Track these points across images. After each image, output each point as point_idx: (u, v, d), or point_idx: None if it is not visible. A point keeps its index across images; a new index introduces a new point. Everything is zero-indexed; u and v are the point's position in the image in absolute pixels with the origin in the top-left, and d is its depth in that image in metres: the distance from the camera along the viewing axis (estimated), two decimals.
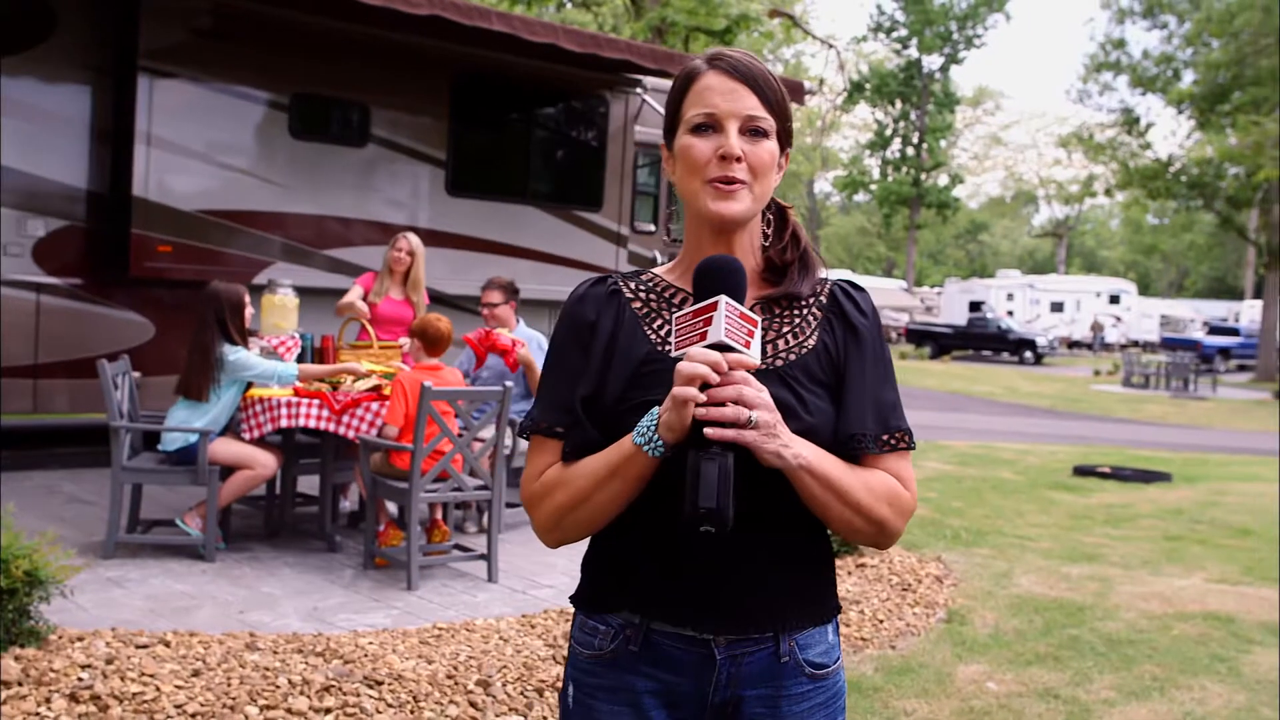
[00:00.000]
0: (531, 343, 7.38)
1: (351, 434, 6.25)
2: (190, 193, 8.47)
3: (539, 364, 7.25)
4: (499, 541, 6.20)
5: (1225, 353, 39.81)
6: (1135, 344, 47.83)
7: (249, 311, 6.42)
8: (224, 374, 6.19)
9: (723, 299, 1.54)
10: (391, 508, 6.52)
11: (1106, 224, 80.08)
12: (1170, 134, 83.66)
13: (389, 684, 4.30)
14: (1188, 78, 32.71)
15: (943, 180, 54.34)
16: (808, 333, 1.76)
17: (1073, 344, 48.01)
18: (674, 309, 1.76)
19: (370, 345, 7.02)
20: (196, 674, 4.26)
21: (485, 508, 7.05)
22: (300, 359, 6.89)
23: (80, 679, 4.10)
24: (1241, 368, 39.17)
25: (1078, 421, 19.45)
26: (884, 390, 1.75)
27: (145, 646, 4.53)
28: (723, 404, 1.51)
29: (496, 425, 6.06)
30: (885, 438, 1.73)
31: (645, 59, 9.42)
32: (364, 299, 7.38)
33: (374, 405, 6.29)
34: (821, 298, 1.80)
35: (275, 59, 8.75)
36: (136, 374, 6.52)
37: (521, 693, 4.37)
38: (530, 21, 8.75)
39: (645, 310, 1.79)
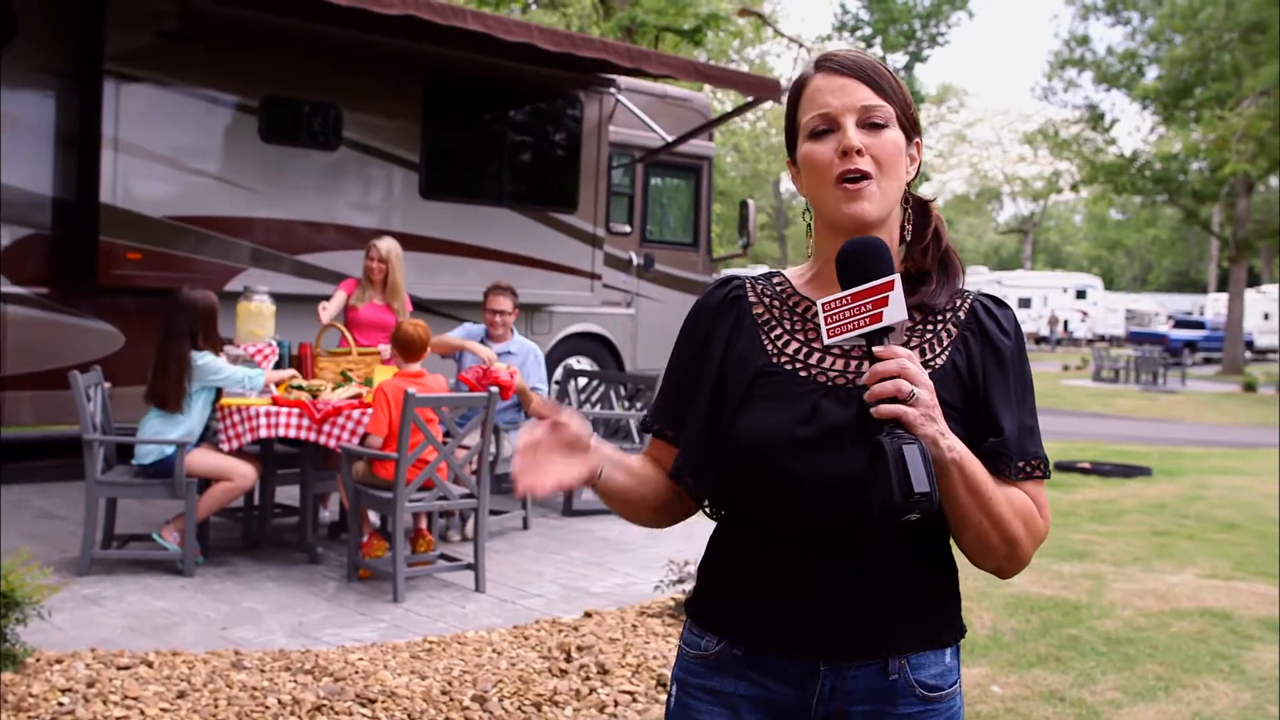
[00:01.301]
0: (529, 355, 7.25)
1: (333, 443, 6.10)
2: (159, 199, 8.28)
3: (535, 376, 7.14)
4: (485, 550, 6.06)
5: (1191, 346, 40.10)
6: (1102, 338, 48.15)
7: None
8: (194, 381, 6.04)
9: (898, 277, 1.48)
10: (374, 518, 6.37)
11: (1070, 219, 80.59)
12: (1135, 129, 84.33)
13: (382, 702, 4.16)
14: (1151, 73, 32.91)
15: None
16: (939, 349, 1.66)
17: (1040, 339, 48.31)
18: (797, 317, 1.70)
19: (349, 352, 6.87)
20: (182, 695, 4.11)
21: (468, 515, 6.93)
22: (278, 366, 6.74)
23: (61, 704, 3.95)
24: (1208, 360, 39.44)
25: (1051, 416, 19.48)
26: (1024, 414, 1.67)
27: (127, 668, 4.38)
28: (884, 378, 1.46)
29: (481, 432, 5.93)
30: (1022, 464, 1.64)
31: (621, 58, 9.31)
32: (347, 303, 7.24)
33: (355, 413, 6.15)
34: (959, 312, 1.70)
35: (244, 61, 8.57)
36: (107, 384, 6.34)
37: (519, 707, 4.25)
38: (505, 21, 8.61)
39: (766, 317, 1.72)
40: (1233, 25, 28.44)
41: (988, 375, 1.65)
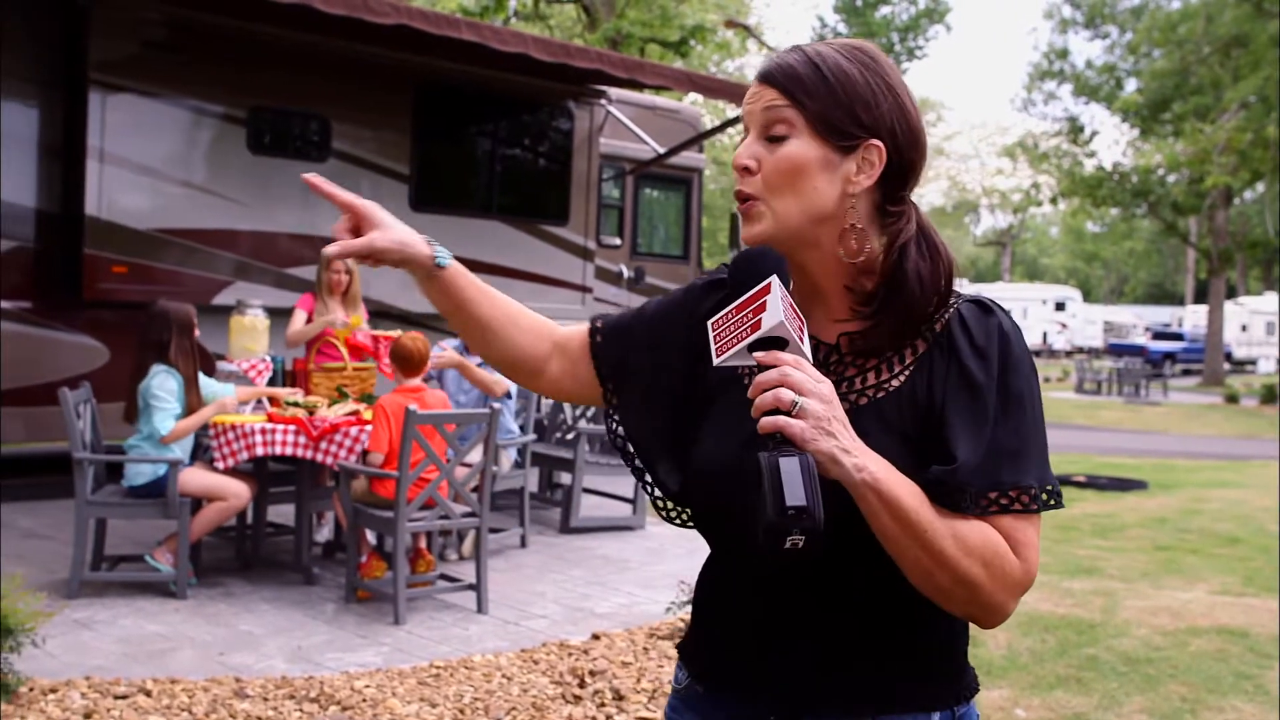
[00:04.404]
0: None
1: (330, 461, 5.94)
2: (145, 211, 8.10)
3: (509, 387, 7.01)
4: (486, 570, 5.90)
5: (1171, 357, 40.23)
6: (1081, 350, 48.32)
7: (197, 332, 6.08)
8: (140, 395, 5.84)
9: (774, 279, 1.33)
10: (372, 537, 6.21)
11: (1046, 232, 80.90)
12: (1114, 142, 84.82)
13: None
14: (1131, 86, 33.02)
15: None
16: (898, 369, 1.45)
17: None
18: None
19: (344, 367, 6.71)
20: None
21: (466, 534, 6.78)
22: (272, 382, 6.58)
23: None
24: (1186, 372, 39.59)
25: None
26: (1004, 435, 1.38)
27: (124, 696, 4.21)
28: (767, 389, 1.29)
29: (484, 449, 5.78)
30: (991, 495, 1.36)
31: (617, 68, 9.20)
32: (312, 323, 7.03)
33: (353, 430, 5.99)
34: (935, 325, 1.45)
35: (232, 71, 8.41)
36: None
37: None
38: (500, 31, 8.49)
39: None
40: (1212, 39, 28.58)
41: (948, 397, 1.40)
